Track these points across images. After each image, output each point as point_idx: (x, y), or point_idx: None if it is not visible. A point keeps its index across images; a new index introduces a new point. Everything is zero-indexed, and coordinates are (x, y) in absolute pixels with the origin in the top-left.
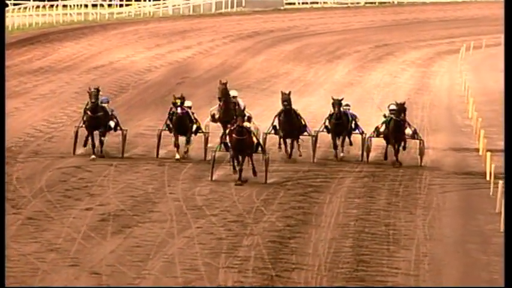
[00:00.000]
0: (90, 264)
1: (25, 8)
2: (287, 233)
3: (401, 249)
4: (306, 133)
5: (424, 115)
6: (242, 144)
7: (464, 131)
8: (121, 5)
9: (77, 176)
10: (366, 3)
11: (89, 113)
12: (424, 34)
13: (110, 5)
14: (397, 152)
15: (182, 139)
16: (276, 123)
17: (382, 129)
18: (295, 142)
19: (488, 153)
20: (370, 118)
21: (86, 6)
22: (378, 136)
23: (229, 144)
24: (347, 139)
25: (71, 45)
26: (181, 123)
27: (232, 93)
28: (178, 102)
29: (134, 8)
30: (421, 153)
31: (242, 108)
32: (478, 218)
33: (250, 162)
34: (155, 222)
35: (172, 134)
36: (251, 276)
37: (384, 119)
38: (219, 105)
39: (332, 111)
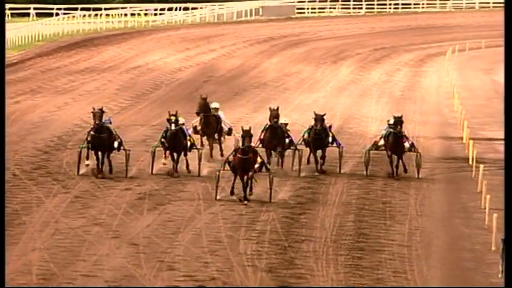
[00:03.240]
0: (129, 236)
1: (73, 16)
2: (298, 209)
3: (396, 223)
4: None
5: (416, 109)
6: (246, 163)
7: (451, 122)
8: (155, 14)
9: (118, 160)
10: (366, 12)
11: (93, 133)
12: (416, 39)
13: (146, 14)
14: (396, 165)
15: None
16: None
17: (380, 143)
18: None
19: (471, 141)
20: (370, 111)
21: (126, 15)
22: (376, 149)
23: (231, 164)
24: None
25: (113, 48)
26: (175, 140)
27: (214, 105)
28: (173, 119)
29: (167, 16)
30: (418, 166)
31: (222, 120)
32: (462, 196)
33: (251, 181)
34: (185, 200)
35: (165, 151)
36: (267, 246)
37: (382, 133)
38: (200, 118)
39: (312, 125)
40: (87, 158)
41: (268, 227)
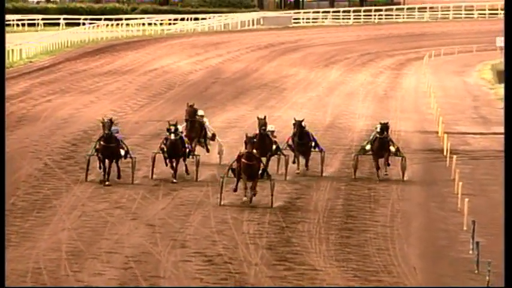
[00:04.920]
0: (146, 218)
1: (97, 26)
2: (294, 194)
3: (380, 206)
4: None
5: (397, 106)
6: (251, 169)
7: (427, 118)
8: (169, 23)
9: (136, 152)
10: (353, 22)
11: (102, 143)
12: (397, 45)
13: (161, 24)
14: (379, 168)
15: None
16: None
17: (367, 147)
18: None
19: (446, 135)
20: (356, 109)
21: (144, 24)
22: (364, 154)
23: (236, 170)
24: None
25: (132, 53)
26: (175, 148)
27: (200, 112)
28: (173, 128)
29: (179, 26)
30: (403, 169)
31: (206, 126)
32: (437, 183)
33: (254, 187)
34: (195, 186)
35: (165, 157)
36: (267, 227)
37: (370, 139)
38: (186, 124)
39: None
40: (100, 168)
41: (268, 210)
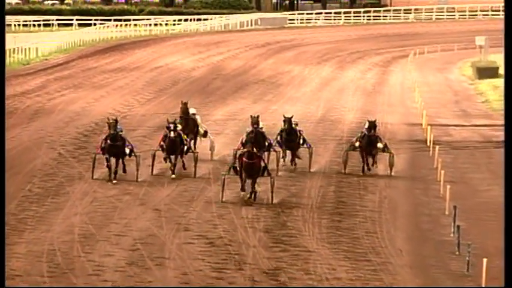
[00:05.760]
0: (153, 203)
1: (107, 26)
2: (289, 182)
3: (368, 193)
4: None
5: (384, 101)
6: (252, 167)
7: (412, 111)
8: (174, 24)
9: (144, 142)
10: (344, 23)
11: (109, 141)
12: (385, 44)
13: (166, 24)
14: (368, 164)
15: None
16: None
17: (356, 144)
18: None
19: (429, 127)
20: (347, 103)
21: (150, 25)
22: (353, 150)
23: (238, 168)
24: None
25: (139, 52)
26: (174, 146)
27: (191, 110)
28: (172, 126)
29: (183, 26)
30: (391, 165)
31: (199, 123)
32: (421, 171)
33: (255, 184)
34: (198, 175)
35: (165, 157)
36: (264, 211)
37: (357, 135)
38: (180, 121)
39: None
40: (107, 166)
41: (265, 196)
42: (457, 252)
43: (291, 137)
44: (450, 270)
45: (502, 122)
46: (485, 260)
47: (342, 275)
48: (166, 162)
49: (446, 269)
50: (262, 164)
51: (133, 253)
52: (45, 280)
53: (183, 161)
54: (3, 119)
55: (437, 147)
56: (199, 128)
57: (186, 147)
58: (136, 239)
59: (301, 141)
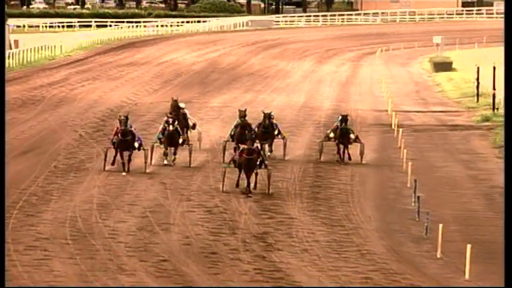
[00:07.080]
0: (159, 178)
1: (121, 27)
2: (275, 163)
3: (342, 169)
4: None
5: (355, 91)
6: (251, 162)
7: (379, 99)
8: (177, 25)
9: (152, 126)
10: (322, 24)
11: (119, 136)
12: (356, 43)
13: (171, 25)
14: (343, 153)
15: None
16: (233, 132)
17: (331, 135)
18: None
19: (394, 113)
20: (324, 92)
21: (157, 26)
22: (328, 141)
23: (237, 162)
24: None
25: (148, 49)
26: (172, 138)
27: (181, 105)
28: (171, 120)
29: (185, 27)
30: (361, 154)
31: (188, 117)
32: (387, 151)
33: (255, 178)
34: (199, 154)
35: (162, 146)
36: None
37: (332, 128)
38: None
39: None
40: (113, 164)
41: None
42: (417, 219)
43: (267, 129)
44: (411, 234)
45: (456, 108)
46: (440, 225)
47: (320, 238)
48: (165, 156)
49: (408, 233)
50: (260, 158)
51: (143, 219)
52: (69, 242)
53: (175, 152)
54: (3, 118)
55: (400, 130)
56: (189, 121)
57: (182, 140)
58: (145, 207)
59: (275, 133)
